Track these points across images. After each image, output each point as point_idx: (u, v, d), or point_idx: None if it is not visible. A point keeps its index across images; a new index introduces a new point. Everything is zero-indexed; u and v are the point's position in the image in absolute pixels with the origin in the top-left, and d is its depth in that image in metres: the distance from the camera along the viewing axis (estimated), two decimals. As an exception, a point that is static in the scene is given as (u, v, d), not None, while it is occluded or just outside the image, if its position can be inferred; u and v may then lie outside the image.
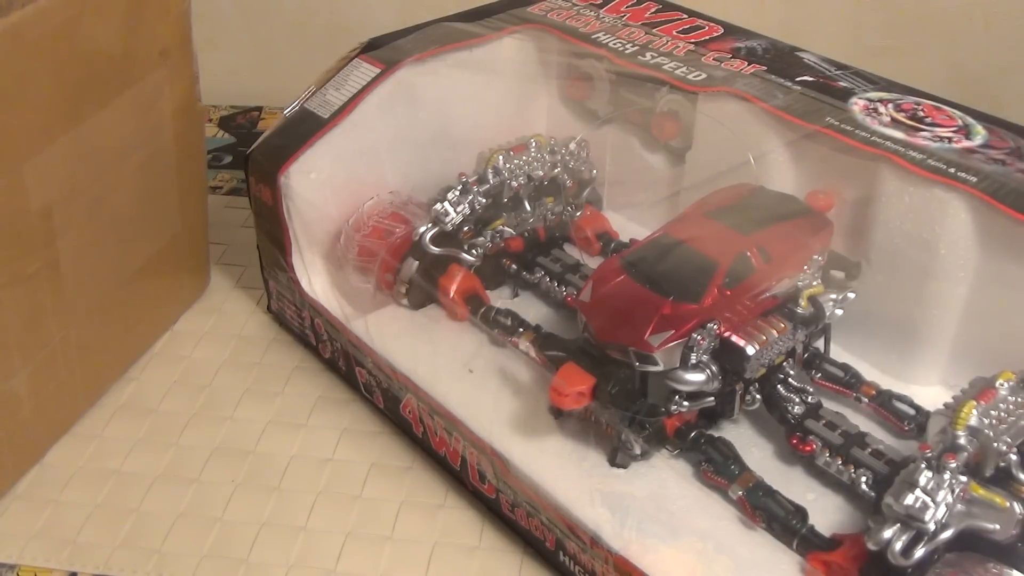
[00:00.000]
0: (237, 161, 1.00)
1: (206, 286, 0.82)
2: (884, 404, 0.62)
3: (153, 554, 0.60)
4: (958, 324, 0.63)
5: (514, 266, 0.74)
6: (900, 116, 0.65)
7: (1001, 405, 0.52)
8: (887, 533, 0.48)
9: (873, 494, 0.55)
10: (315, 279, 0.73)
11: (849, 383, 0.63)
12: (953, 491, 0.49)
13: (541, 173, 0.74)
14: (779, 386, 0.60)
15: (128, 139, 0.68)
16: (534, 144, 0.74)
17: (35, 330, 0.63)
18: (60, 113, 0.61)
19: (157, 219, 0.73)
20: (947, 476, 0.49)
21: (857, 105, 0.66)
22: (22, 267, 0.60)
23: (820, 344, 0.64)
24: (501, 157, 0.72)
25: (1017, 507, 0.49)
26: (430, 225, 0.70)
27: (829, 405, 0.61)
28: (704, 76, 0.71)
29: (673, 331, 0.55)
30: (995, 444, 0.51)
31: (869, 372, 0.64)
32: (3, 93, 0.56)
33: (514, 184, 0.73)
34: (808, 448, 0.58)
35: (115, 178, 0.67)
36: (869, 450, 0.57)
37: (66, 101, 0.61)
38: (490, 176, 0.72)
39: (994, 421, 0.51)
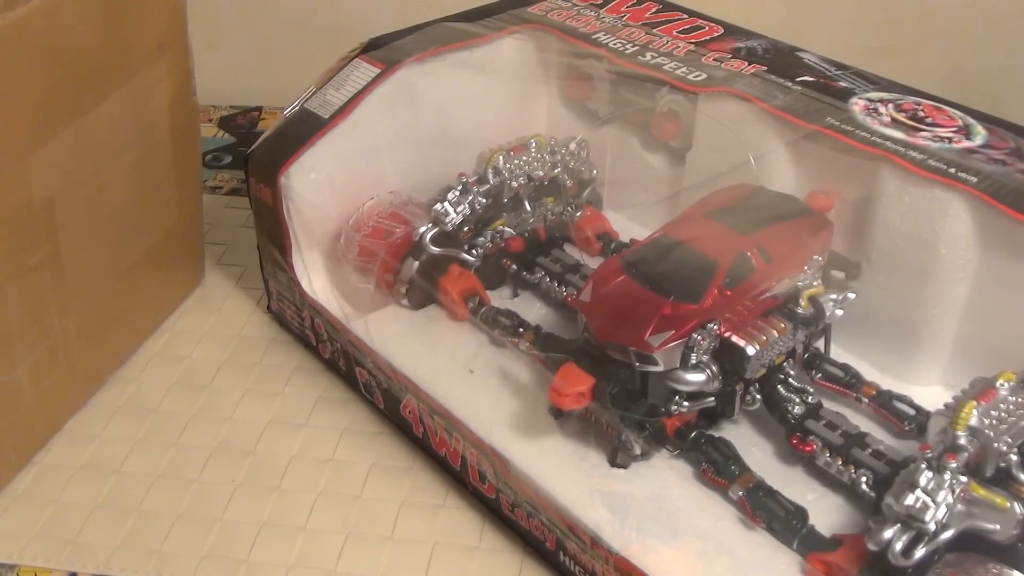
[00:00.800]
0: (237, 161, 1.00)
1: (201, 279, 0.82)
2: (884, 404, 0.62)
3: (153, 554, 0.60)
4: (958, 324, 0.63)
5: (514, 266, 0.74)
6: (900, 116, 0.65)
7: (1001, 405, 0.52)
8: (887, 533, 0.48)
9: (873, 494, 0.55)
10: (315, 279, 0.73)
11: (849, 383, 0.63)
12: (953, 491, 0.49)
13: (541, 173, 0.74)
14: (779, 386, 0.60)
15: (126, 132, 0.68)
16: (534, 144, 0.74)
17: (37, 321, 0.63)
18: (62, 107, 0.61)
19: (153, 212, 0.74)
20: (947, 476, 0.49)
21: (857, 105, 0.66)
22: (26, 259, 0.61)
23: (820, 344, 0.64)
24: (501, 157, 0.72)
25: (1017, 507, 0.49)
26: (430, 225, 0.70)
27: (829, 405, 0.61)
28: (704, 76, 0.71)
29: (673, 331, 0.55)
30: (995, 444, 0.51)
31: (869, 372, 0.64)
32: (9, 87, 0.57)
33: (514, 184, 0.73)
34: (808, 448, 0.58)
35: (114, 171, 0.68)
36: (869, 450, 0.57)
37: (67, 95, 0.62)
38: (490, 176, 0.72)
39: (994, 421, 0.51)
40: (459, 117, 0.78)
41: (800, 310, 0.60)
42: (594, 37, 0.77)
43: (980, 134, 0.63)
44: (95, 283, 0.68)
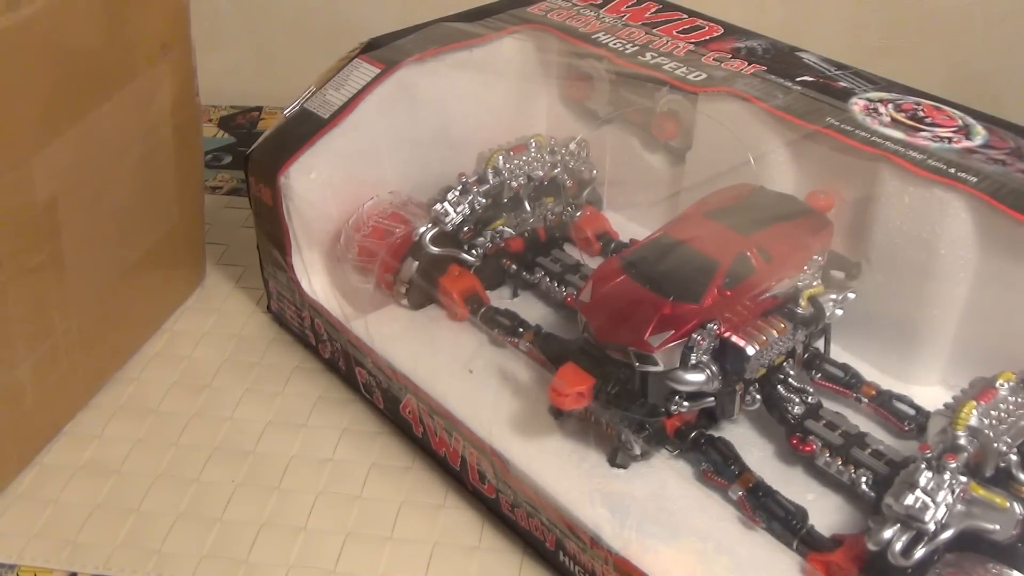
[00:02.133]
0: (237, 161, 1.00)
1: (202, 278, 0.82)
2: (884, 404, 0.62)
3: (153, 554, 0.60)
4: (958, 324, 0.63)
5: (514, 266, 0.74)
6: (900, 116, 0.65)
7: (1001, 405, 0.52)
8: (887, 533, 0.48)
9: (873, 494, 0.55)
10: (315, 279, 0.73)
11: (849, 383, 0.63)
12: (953, 491, 0.49)
13: (541, 173, 0.74)
14: (779, 386, 0.60)
15: (130, 132, 0.68)
16: (534, 144, 0.74)
17: (39, 321, 0.63)
18: (66, 106, 0.61)
19: (156, 211, 0.74)
20: (947, 476, 0.49)
21: (857, 105, 0.66)
22: (28, 259, 0.61)
23: (820, 344, 0.64)
24: (501, 157, 0.72)
25: (1017, 507, 0.49)
26: (430, 225, 0.70)
27: (829, 405, 0.61)
28: (704, 76, 0.71)
29: (673, 331, 0.55)
30: (995, 444, 0.51)
31: (869, 372, 0.64)
32: (13, 86, 0.57)
33: (514, 184, 0.73)
34: (808, 448, 0.58)
35: (117, 171, 0.68)
36: (869, 450, 0.57)
37: (71, 94, 0.62)
38: (490, 176, 0.72)
39: (994, 421, 0.51)
40: (459, 117, 0.78)
41: (800, 310, 0.60)
42: (594, 37, 0.77)
43: (980, 134, 0.63)
44: (97, 283, 0.68)
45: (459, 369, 0.66)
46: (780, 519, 0.54)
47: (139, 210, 0.71)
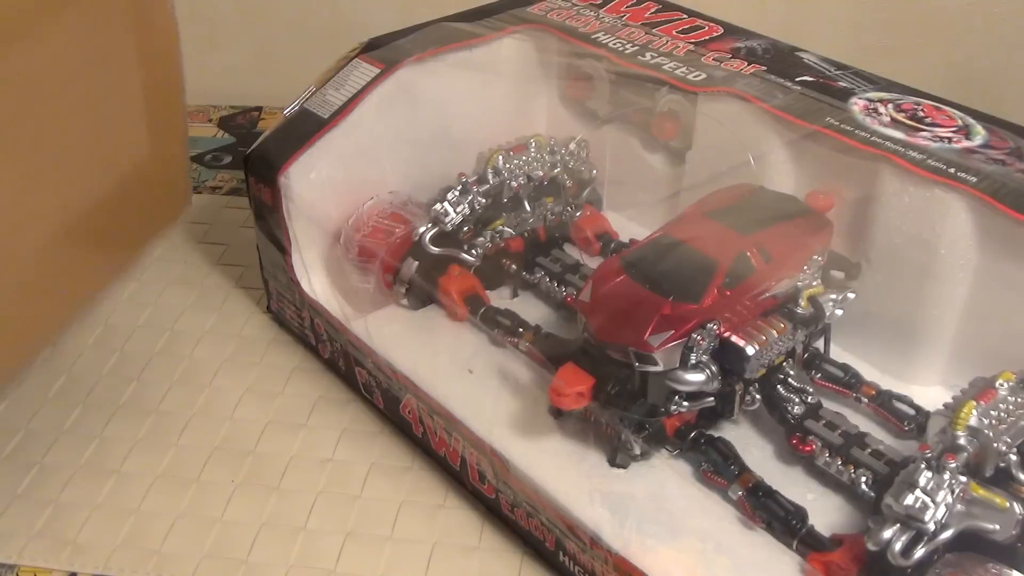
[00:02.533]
0: (237, 161, 1.00)
1: (186, 205, 0.75)
2: (884, 404, 0.62)
3: (153, 554, 0.60)
4: (958, 324, 0.63)
5: (514, 266, 0.74)
6: (900, 116, 0.65)
7: (1001, 405, 0.52)
8: (887, 533, 0.48)
9: (873, 494, 0.55)
10: (315, 279, 0.73)
11: (849, 383, 0.63)
12: (953, 491, 0.49)
13: (541, 173, 0.74)
14: (779, 386, 0.60)
15: (73, 65, 0.58)
16: (534, 144, 0.74)
17: None
18: None
19: (115, 148, 0.64)
20: (947, 476, 0.49)
21: (857, 105, 0.66)
22: None
23: (820, 344, 0.64)
24: (501, 157, 0.72)
25: (1017, 507, 0.49)
26: (430, 225, 0.70)
27: (829, 405, 0.61)
28: (704, 76, 0.71)
29: (673, 331, 0.55)
30: (995, 444, 0.51)
31: (869, 372, 0.64)
32: None
33: (514, 184, 0.73)
34: (808, 448, 0.58)
35: (59, 110, 0.58)
36: (869, 450, 0.57)
37: None
38: (490, 176, 0.72)
39: (994, 421, 0.51)
40: (459, 117, 0.78)
41: (800, 310, 0.60)
42: (594, 37, 0.77)
43: (980, 134, 0.63)
44: (32, 241, 0.58)
45: (459, 369, 0.66)
46: (780, 519, 0.54)
47: (94, 152, 0.62)
